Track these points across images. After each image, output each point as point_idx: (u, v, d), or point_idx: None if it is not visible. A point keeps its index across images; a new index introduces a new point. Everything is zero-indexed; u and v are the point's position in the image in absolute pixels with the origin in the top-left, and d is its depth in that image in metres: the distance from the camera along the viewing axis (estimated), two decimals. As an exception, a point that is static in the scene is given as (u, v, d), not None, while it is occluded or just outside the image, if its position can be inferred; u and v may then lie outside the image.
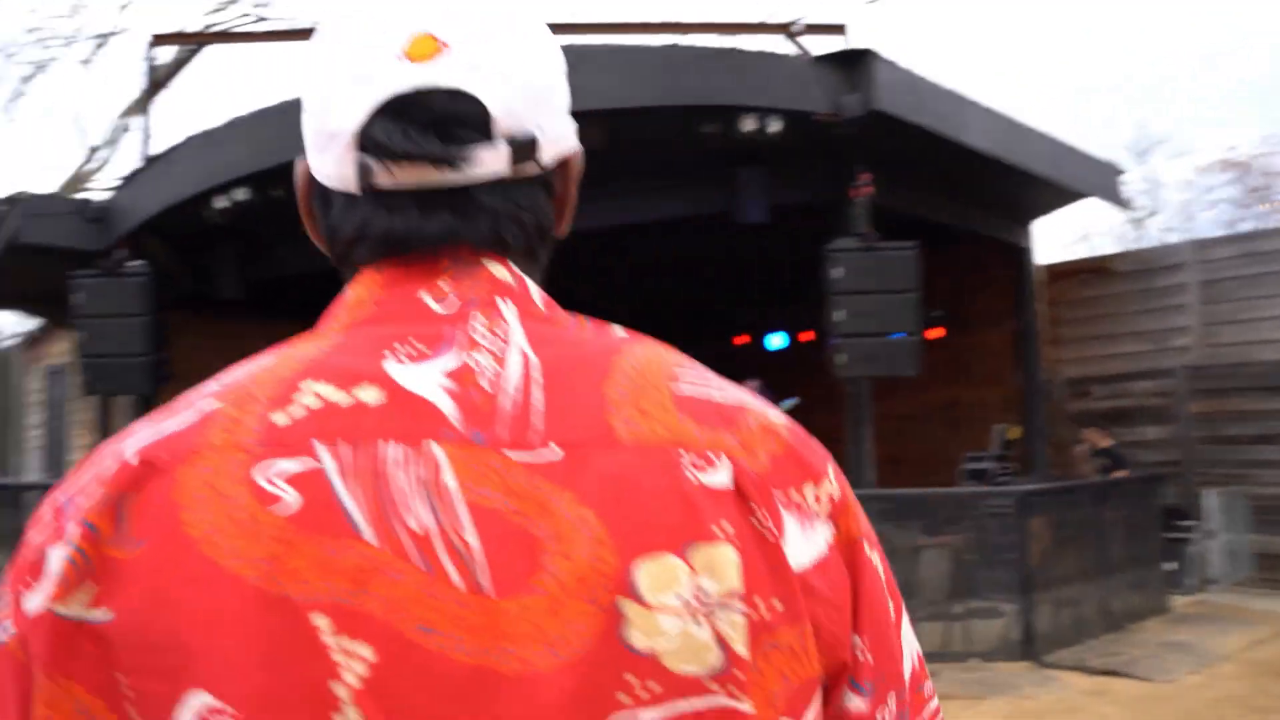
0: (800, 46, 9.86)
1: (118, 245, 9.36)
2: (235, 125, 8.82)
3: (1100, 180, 11.24)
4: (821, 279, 8.53)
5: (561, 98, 0.76)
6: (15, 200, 9.67)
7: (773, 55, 8.90)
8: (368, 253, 0.71)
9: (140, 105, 10.47)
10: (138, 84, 16.22)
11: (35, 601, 0.59)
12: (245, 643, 0.57)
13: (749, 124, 8.07)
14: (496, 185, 0.70)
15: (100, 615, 0.58)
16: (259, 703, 0.57)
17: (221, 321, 11.48)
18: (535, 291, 0.72)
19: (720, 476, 0.63)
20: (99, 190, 16.59)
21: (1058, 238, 33.21)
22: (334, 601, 0.58)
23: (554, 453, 0.62)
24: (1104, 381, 11.93)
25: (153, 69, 10.40)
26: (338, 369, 0.65)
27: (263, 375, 0.66)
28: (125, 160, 17.06)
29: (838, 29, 10.11)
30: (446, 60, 0.67)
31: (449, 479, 0.60)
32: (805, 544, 0.65)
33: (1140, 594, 8.65)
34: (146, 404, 9.91)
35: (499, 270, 0.71)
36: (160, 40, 10.64)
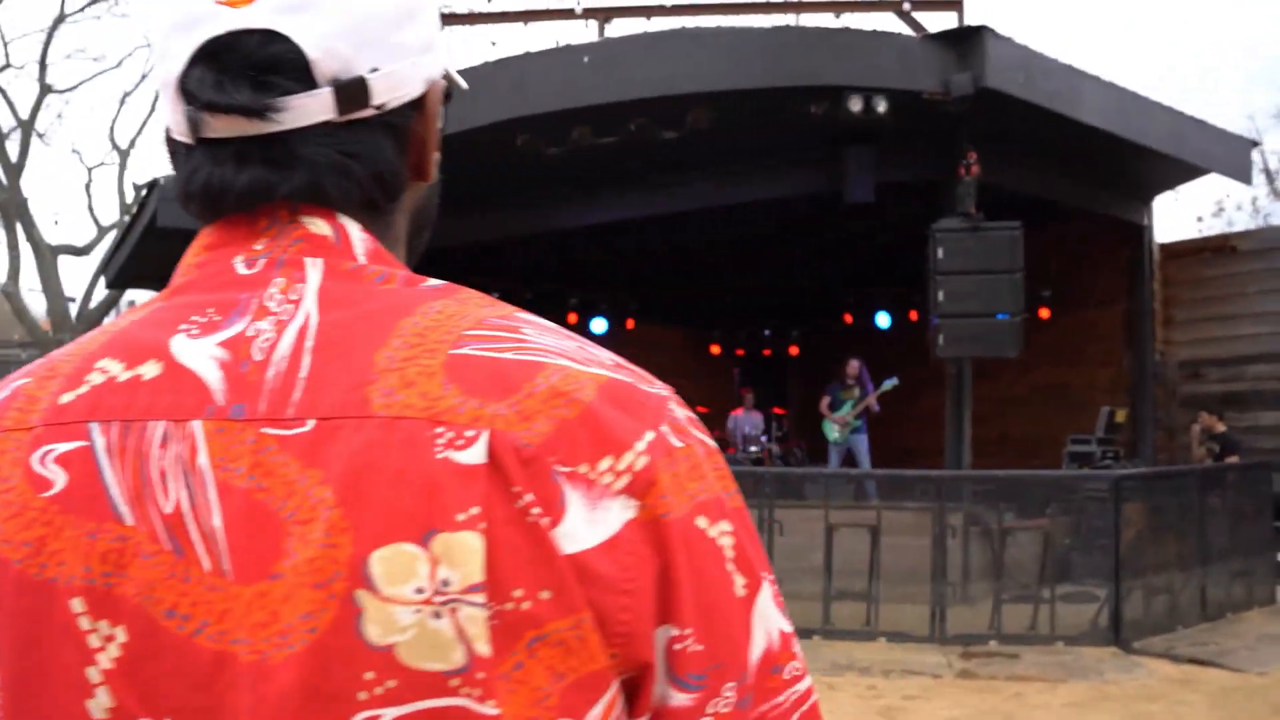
0: (912, 23, 9.88)
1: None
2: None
3: (1229, 155, 10.97)
4: (925, 259, 8.66)
5: (413, 30, 0.70)
6: (154, 185, 10.34)
7: (881, 34, 8.97)
8: (197, 210, 0.68)
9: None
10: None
11: None
12: (6, 627, 0.57)
13: (855, 104, 8.20)
14: (322, 133, 0.65)
15: None
16: (17, 688, 0.57)
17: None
18: (359, 247, 0.66)
19: (474, 453, 0.56)
20: None
21: (1187, 211, 31.95)
22: (90, 584, 0.56)
23: (306, 427, 0.58)
24: (1219, 364, 11.72)
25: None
26: (131, 343, 0.63)
27: (76, 348, 0.65)
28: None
29: (953, 3, 10.08)
30: (263, 2, 0.63)
31: (203, 458, 0.58)
32: (589, 524, 0.57)
33: (1243, 584, 8.60)
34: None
35: (318, 226, 0.66)
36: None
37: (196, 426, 0.58)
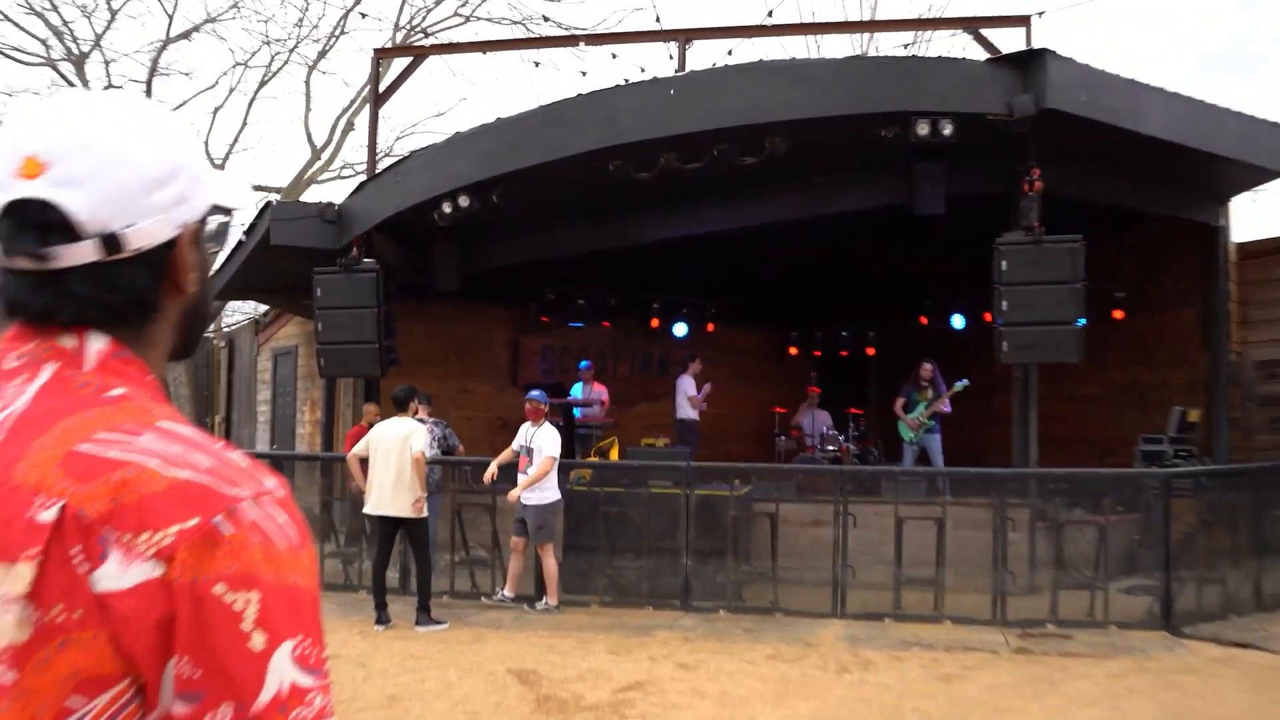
0: (984, 41, 10.91)
1: (352, 244, 11.44)
2: (457, 140, 10.69)
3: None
4: (989, 272, 9.71)
5: (164, 192, 1.01)
6: (267, 207, 11.83)
7: (946, 60, 10.02)
8: (6, 314, 1.01)
9: (370, 112, 12.36)
10: (358, 91, 18.71)
11: None
12: None
13: (923, 128, 9.24)
14: (93, 270, 0.98)
15: None
16: None
17: (437, 309, 13.64)
18: (91, 360, 1.00)
19: (49, 515, 0.88)
20: (322, 183, 19.17)
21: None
22: None
23: None
24: (1297, 364, 12.51)
25: (376, 80, 12.31)
26: None
27: None
28: (351, 163, 19.66)
29: (1022, 20, 11.08)
30: (46, 177, 0.95)
31: None
32: (120, 575, 0.87)
33: (1300, 577, 9.55)
34: (374, 387, 12.04)
35: (67, 340, 1.00)
36: (383, 54, 12.54)
37: None
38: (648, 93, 9.77)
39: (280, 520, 0.94)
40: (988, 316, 14.25)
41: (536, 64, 17.18)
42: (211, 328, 19.11)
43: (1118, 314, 13.15)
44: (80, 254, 0.97)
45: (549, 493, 9.18)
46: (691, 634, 8.36)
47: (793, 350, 17.40)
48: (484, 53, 12.87)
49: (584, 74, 20.13)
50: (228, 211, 1.12)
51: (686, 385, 14.52)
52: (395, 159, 15.78)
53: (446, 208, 10.51)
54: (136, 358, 1.03)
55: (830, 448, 14.27)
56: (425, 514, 8.83)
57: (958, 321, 15.21)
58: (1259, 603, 9.07)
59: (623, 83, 10.11)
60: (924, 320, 15.86)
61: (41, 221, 0.95)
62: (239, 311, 21.99)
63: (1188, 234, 12.58)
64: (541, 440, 9.18)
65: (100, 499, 0.88)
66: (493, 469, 9.30)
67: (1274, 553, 9.38)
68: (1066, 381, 12.11)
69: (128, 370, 1.01)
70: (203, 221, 1.09)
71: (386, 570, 8.92)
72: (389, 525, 8.79)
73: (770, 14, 10.97)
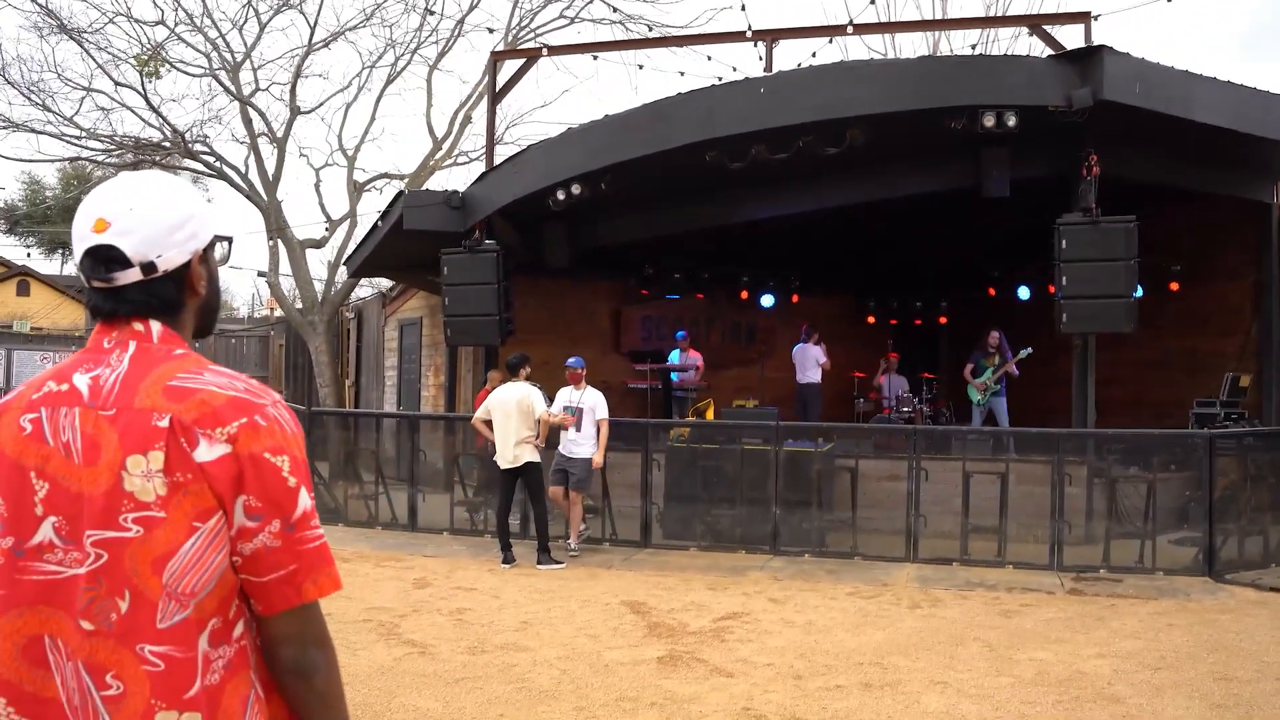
0: (1045, 36, 11.21)
1: (474, 228, 12.19)
2: (570, 135, 11.37)
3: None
4: (1051, 247, 10.11)
5: (179, 234, 1.57)
6: (400, 196, 12.68)
7: (1011, 58, 10.40)
8: (91, 316, 1.58)
9: (488, 109, 13.07)
10: (474, 87, 19.50)
11: None
12: (3, 483, 1.47)
13: (989, 120, 9.65)
14: (141, 284, 1.55)
15: None
16: (8, 507, 1.46)
17: (547, 284, 14.36)
18: (156, 333, 1.56)
19: (164, 422, 1.45)
20: (444, 170, 20.10)
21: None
22: (38, 466, 1.46)
23: (111, 410, 1.47)
24: (1343, 332, 12.65)
25: (493, 80, 12.99)
26: (60, 373, 1.54)
27: (43, 374, 1.56)
28: (466, 150, 20.55)
29: (1081, 16, 11.34)
30: (110, 231, 1.52)
31: (75, 420, 1.47)
32: (208, 451, 1.45)
33: (1342, 530, 9.87)
34: (493, 354, 12.82)
35: (138, 326, 1.55)
36: (499, 56, 13.21)
37: (75, 410, 1.49)
38: (740, 91, 10.33)
39: (287, 416, 1.54)
40: (1050, 288, 14.64)
41: (640, 66, 17.53)
42: (344, 301, 20.17)
43: (1174, 286, 13.40)
44: (131, 275, 1.54)
45: (592, 446, 9.86)
46: (780, 574, 9.01)
47: (870, 319, 17.79)
48: (593, 56, 13.43)
49: (682, 74, 20.63)
50: (225, 237, 1.68)
51: (814, 353, 15.22)
52: (511, 149, 16.57)
53: (560, 195, 11.19)
54: (178, 334, 1.59)
55: (905, 409, 14.77)
56: (538, 459, 9.54)
57: (1023, 293, 15.50)
58: (1300, 553, 9.42)
59: (718, 81, 10.64)
60: (992, 291, 16.17)
61: (108, 257, 1.53)
62: (367, 286, 23.03)
63: (1241, 211, 12.76)
64: (593, 402, 9.89)
65: (191, 410, 1.46)
66: (567, 418, 9.83)
67: (1314, 507, 9.72)
68: (1125, 348, 12.38)
69: (177, 340, 1.58)
70: (210, 246, 1.64)
71: (509, 516, 9.71)
72: (509, 476, 9.57)
73: (850, 23, 11.21)
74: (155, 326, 1.57)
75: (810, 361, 15.29)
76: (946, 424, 14.67)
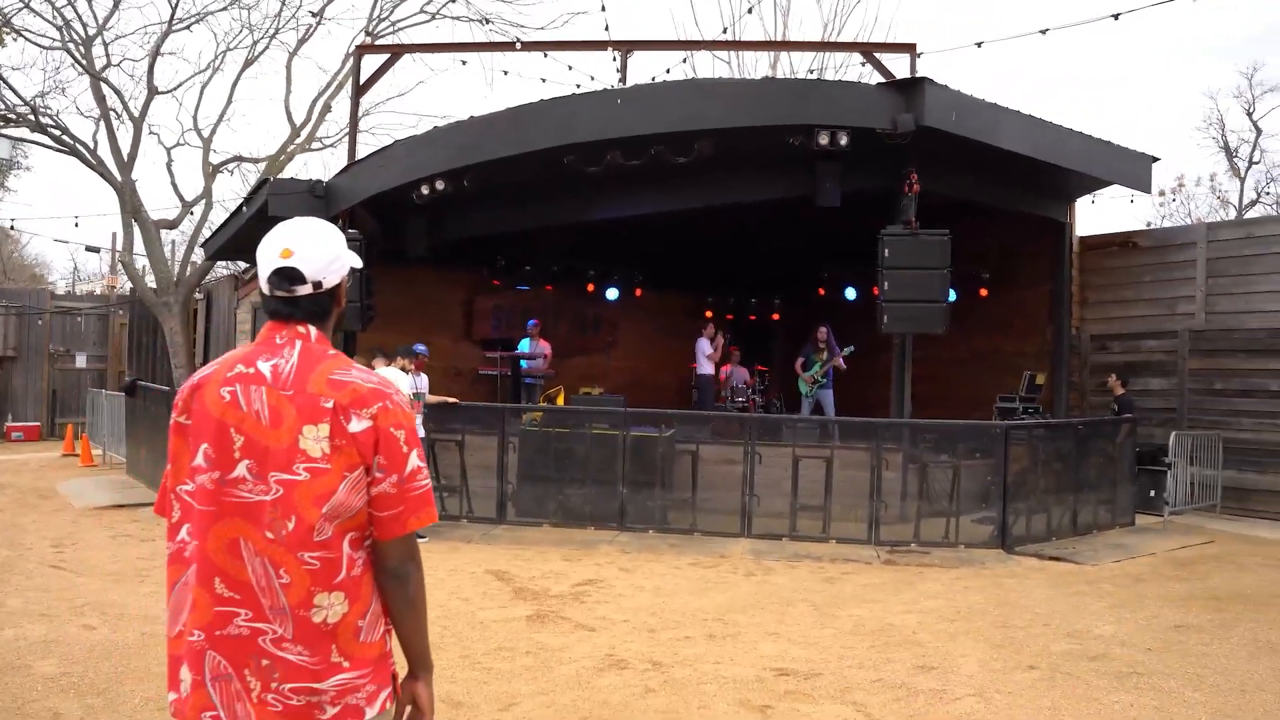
0: (875, 63, 12.36)
1: (338, 217, 12.58)
2: (435, 133, 11.91)
3: (1131, 169, 13.33)
4: (875, 255, 11.23)
5: (336, 263, 2.28)
6: (264, 183, 12.94)
7: (845, 84, 11.52)
8: (268, 316, 2.27)
9: (351, 103, 13.41)
10: (332, 76, 19.62)
11: (175, 413, 2.24)
12: (212, 434, 2.15)
13: (823, 138, 10.70)
14: (310, 296, 2.23)
15: (185, 419, 2.21)
16: (214, 451, 2.15)
17: (403, 272, 14.80)
18: (314, 335, 2.23)
19: (330, 403, 2.12)
20: (302, 156, 20.18)
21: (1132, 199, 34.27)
22: (236, 424, 2.14)
23: (289, 391, 2.14)
24: (1121, 339, 14.41)
25: (357, 74, 13.37)
26: (245, 358, 2.21)
27: (229, 356, 2.26)
28: (321, 136, 20.66)
29: (908, 47, 12.56)
30: (294, 258, 2.21)
31: (263, 395, 2.14)
32: (357, 425, 2.12)
33: (1108, 510, 11.40)
34: (352, 339, 13.22)
35: (303, 328, 2.23)
36: (364, 50, 13.59)
37: (262, 388, 2.17)
38: (599, 101, 11.08)
39: (404, 400, 2.23)
40: (875, 290, 15.93)
41: (505, 72, 18.07)
42: (200, 281, 20.00)
43: (983, 292, 14.87)
44: (304, 290, 2.23)
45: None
46: (627, 547, 9.83)
47: (709, 314, 18.81)
48: (462, 61, 13.94)
49: (544, 80, 21.23)
50: (355, 269, 2.39)
51: (704, 346, 16.21)
52: (367, 137, 16.86)
53: (425, 189, 11.74)
54: (326, 336, 2.27)
55: (739, 399, 15.85)
56: None
57: (850, 293, 16.74)
58: (1074, 528, 10.88)
59: (576, 89, 11.37)
60: (821, 291, 17.36)
61: (291, 276, 2.21)
62: (222, 267, 22.80)
63: (1040, 227, 14.33)
64: (425, 386, 10.91)
65: (346, 396, 2.14)
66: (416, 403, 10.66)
67: (1088, 489, 11.20)
68: (937, 347, 13.69)
69: (327, 343, 2.25)
70: (348, 273, 2.36)
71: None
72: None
73: (700, 40, 12.07)
74: (312, 330, 2.25)
75: (700, 354, 16.38)
76: (777, 413, 15.80)
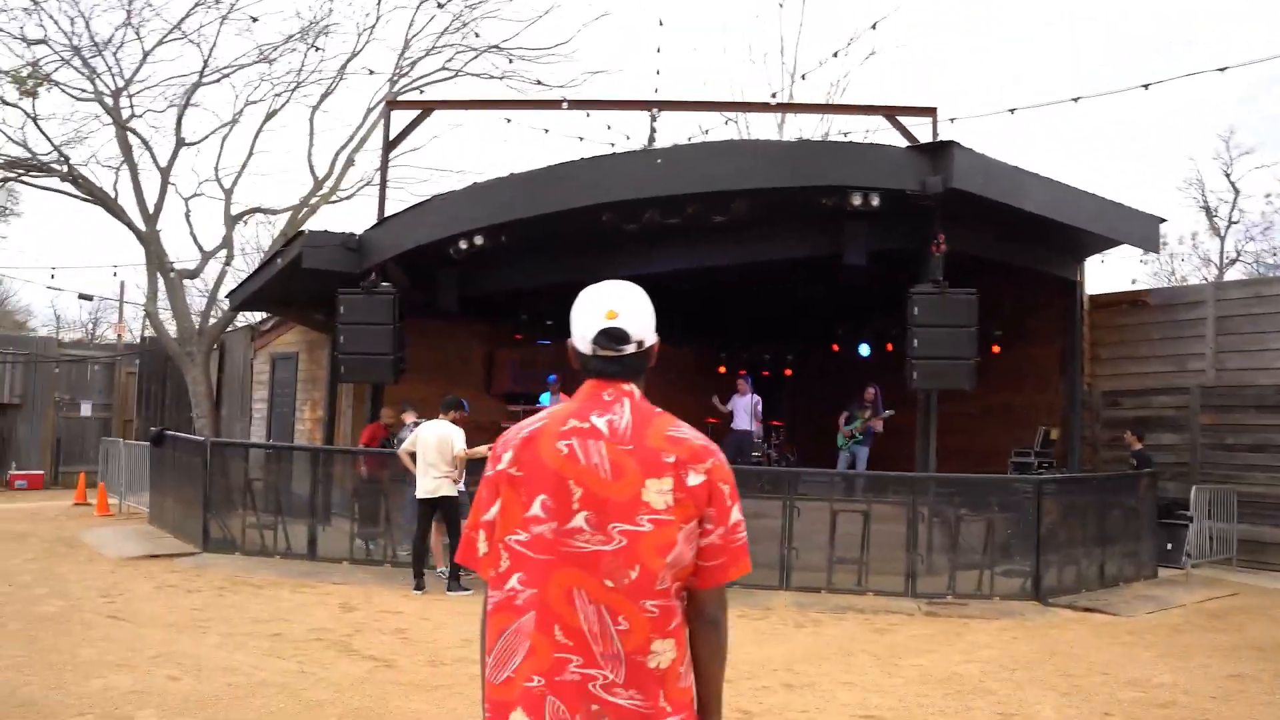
0: (898, 125, 12.78)
1: (370, 270, 12.81)
2: (475, 189, 12.20)
3: (1140, 230, 13.79)
4: (904, 313, 11.55)
5: (650, 324, 2.35)
6: (298, 235, 13.15)
7: (877, 147, 11.87)
8: (591, 374, 2.32)
9: (381, 158, 13.69)
10: (354, 129, 19.93)
11: (501, 464, 2.26)
12: (550, 486, 2.19)
13: (856, 199, 11.06)
14: (631, 355, 2.30)
15: (516, 471, 2.24)
16: (553, 502, 2.19)
17: (428, 325, 15.00)
18: (638, 393, 2.31)
19: (671, 459, 2.18)
20: (321, 206, 20.44)
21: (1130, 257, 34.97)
22: (575, 476, 2.18)
23: (629, 446, 2.20)
24: (1132, 395, 14.79)
25: (387, 129, 13.68)
26: (578, 413, 2.27)
27: (558, 411, 2.32)
28: (342, 189, 20.94)
29: (929, 111, 13.00)
30: (620, 319, 2.28)
31: (602, 449, 2.20)
32: (694, 479, 2.18)
33: (1133, 562, 11.67)
34: (378, 390, 13.36)
35: (628, 385, 2.30)
36: (394, 105, 13.91)
37: (600, 442, 2.23)
38: (638, 160, 11.43)
39: (725, 458, 2.30)
40: (889, 347, 16.30)
41: (546, 130, 18.31)
42: (223, 332, 20.08)
43: (996, 348, 15.21)
44: (630, 349, 2.29)
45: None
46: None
47: (722, 369, 19.10)
48: (507, 119, 14.27)
49: (581, 138, 21.61)
50: (658, 334, 2.43)
51: (743, 403, 16.12)
52: (398, 197, 17.13)
53: (463, 244, 11.99)
54: (643, 394, 2.35)
55: (754, 455, 16.06)
56: (455, 493, 10.22)
57: (864, 350, 17.07)
58: (1101, 580, 11.14)
59: (614, 150, 11.70)
60: (835, 347, 17.69)
61: (617, 336, 2.27)
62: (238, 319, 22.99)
63: (1052, 286, 14.73)
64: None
65: (684, 452, 2.21)
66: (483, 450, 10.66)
67: (1111, 542, 11.47)
68: (954, 402, 14.03)
69: (647, 402, 2.33)
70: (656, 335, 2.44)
71: (426, 543, 10.36)
72: (427, 507, 10.24)
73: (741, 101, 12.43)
74: (635, 389, 2.39)
75: (742, 412, 16.22)
76: (790, 467, 15.98)
